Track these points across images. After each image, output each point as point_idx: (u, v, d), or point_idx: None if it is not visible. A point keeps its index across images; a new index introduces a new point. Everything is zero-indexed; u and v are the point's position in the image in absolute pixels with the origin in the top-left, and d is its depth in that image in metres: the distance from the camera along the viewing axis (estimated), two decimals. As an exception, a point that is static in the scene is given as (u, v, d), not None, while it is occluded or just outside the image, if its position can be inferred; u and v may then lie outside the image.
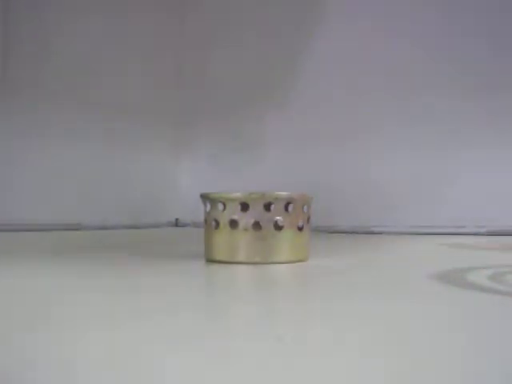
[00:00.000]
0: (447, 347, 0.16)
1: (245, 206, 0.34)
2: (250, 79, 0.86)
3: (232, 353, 0.16)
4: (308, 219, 0.36)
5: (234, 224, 0.34)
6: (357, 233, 0.76)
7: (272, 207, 0.34)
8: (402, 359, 0.15)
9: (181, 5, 0.94)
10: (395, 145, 0.71)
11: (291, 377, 0.14)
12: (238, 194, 0.34)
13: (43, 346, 0.16)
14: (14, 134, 0.74)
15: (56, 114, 0.78)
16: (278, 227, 0.34)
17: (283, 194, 0.35)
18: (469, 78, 0.69)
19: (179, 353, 0.16)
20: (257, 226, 0.34)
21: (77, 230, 0.78)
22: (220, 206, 0.35)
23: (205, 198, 0.36)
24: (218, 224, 0.35)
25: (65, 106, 0.79)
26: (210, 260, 0.36)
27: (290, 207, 0.35)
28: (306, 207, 0.36)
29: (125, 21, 0.86)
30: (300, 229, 0.35)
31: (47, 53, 0.78)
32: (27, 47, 0.76)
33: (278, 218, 0.34)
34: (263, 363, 0.15)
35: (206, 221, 0.36)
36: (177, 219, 0.96)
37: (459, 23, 0.71)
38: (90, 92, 0.82)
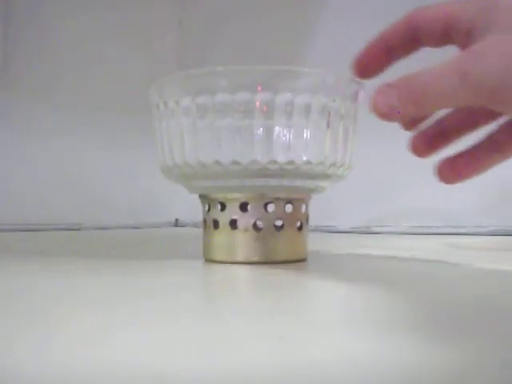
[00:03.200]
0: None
1: (244, 206, 0.34)
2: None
3: (232, 351, 0.16)
4: (307, 219, 0.36)
5: (233, 224, 0.34)
6: (357, 233, 0.76)
7: (272, 207, 0.34)
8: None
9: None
10: (395, 142, 0.71)
11: (291, 377, 0.14)
12: (237, 194, 0.34)
13: (44, 344, 0.16)
14: (13, 133, 0.74)
15: (56, 113, 0.78)
16: (277, 227, 0.34)
17: (283, 194, 0.34)
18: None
19: (178, 351, 0.16)
20: (256, 226, 0.34)
21: (77, 229, 0.78)
22: (219, 206, 0.35)
23: (204, 198, 0.36)
24: (217, 224, 0.35)
25: (65, 106, 0.79)
26: (209, 260, 0.36)
27: (290, 207, 0.35)
28: (304, 207, 0.36)
29: (125, 19, 0.86)
30: (299, 228, 0.35)
31: (48, 51, 0.78)
32: (28, 45, 0.76)
33: (277, 217, 0.34)
34: (264, 363, 0.15)
35: (204, 221, 0.36)
36: (176, 219, 0.96)
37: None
38: (90, 91, 0.82)
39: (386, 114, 0.30)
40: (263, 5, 0.86)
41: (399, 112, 0.29)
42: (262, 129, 0.31)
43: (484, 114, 0.33)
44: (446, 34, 0.31)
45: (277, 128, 0.31)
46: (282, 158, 0.31)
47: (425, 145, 0.35)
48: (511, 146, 0.33)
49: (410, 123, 0.35)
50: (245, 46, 0.86)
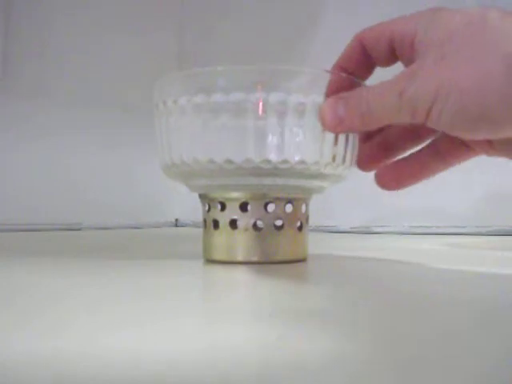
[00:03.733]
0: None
1: (244, 206, 0.34)
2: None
3: (231, 351, 0.16)
4: (307, 219, 0.36)
5: (233, 224, 0.34)
6: (357, 233, 0.76)
7: (272, 207, 0.34)
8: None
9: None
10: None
11: (291, 377, 0.14)
12: (237, 194, 0.34)
13: (43, 344, 0.16)
14: (13, 133, 0.74)
15: (56, 113, 0.78)
16: (277, 227, 0.34)
17: (283, 194, 0.34)
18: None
19: (178, 351, 0.16)
20: (256, 226, 0.34)
21: (77, 229, 0.78)
22: (219, 206, 0.35)
23: (204, 197, 0.36)
24: (217, 224, 0.35)
25: (65, 105, 0.79)
26: (209, 260, 0.36)
27: (290, 207, 0.35)
28: (304, 207, 0.36)
29: (125, 19, 0.86)
30: (299, 228, 0.35)
31: (48, 51, 0.78)
32: (28, 45, 0.76)
33: (277, 217, 0.34)
34: (263, 362, 0.15)
35: (204, 221, 0.36)
36: (176, 219, 0.96)
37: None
38: (90, 91, 0.82)
39: (334, 126, 0.31)
40: (263, 4, 0.86)
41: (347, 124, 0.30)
42: (256, 127, 0.31)
43: (427, 128, 0.33)
44: (391, 51, 0.31)
45: (272, 127, 0.31)
46: (275, 157, 0.31)
47: (368, 159, 0.35)
48: (451, 155, 0.34)
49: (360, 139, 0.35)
50: (245, 45, 0.86)
